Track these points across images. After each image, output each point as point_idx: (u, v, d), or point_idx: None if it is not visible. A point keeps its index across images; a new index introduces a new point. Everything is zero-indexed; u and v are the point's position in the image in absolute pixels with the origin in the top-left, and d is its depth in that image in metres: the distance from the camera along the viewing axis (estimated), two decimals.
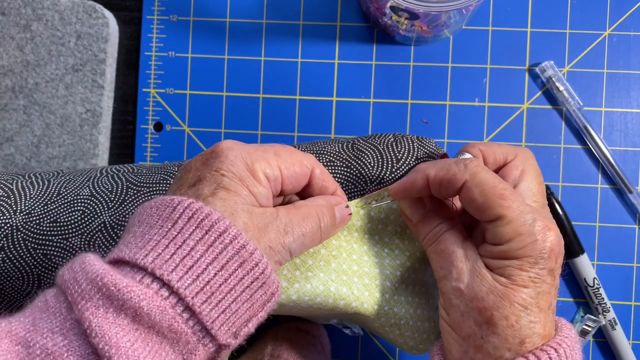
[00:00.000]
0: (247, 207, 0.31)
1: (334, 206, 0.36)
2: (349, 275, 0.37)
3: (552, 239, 0.33)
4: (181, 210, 0.30)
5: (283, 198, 0.37)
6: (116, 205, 0.41)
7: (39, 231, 0.40)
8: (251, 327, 0.31)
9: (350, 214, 0.38)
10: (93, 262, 0.28)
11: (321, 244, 0.37)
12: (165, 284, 0.28)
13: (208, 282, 0.29)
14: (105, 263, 0.29)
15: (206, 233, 0.29)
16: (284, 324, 0.50)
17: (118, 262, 0.30)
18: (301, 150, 0.42)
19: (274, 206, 0.34)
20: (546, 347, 0.32)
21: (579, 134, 0.54)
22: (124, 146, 0.56)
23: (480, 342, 0.33)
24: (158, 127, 0.56)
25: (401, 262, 0.39)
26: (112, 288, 0.27)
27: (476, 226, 0.37)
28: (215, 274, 0.29)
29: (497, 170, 0.38)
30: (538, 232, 0.33)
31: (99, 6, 0.55)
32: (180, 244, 0.29)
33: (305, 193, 0.37)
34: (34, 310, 0.28)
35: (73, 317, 0.27)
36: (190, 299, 0.28)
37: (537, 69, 0.54)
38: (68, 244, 0.40)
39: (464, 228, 0.37)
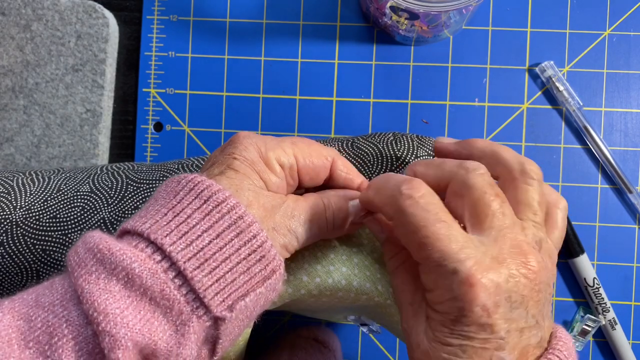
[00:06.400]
0: (254, 187, 0.32)
1: (347, 199, 0.35)
2: (372, 271, 0.37)
3: (480, 294, 0.27)
4: (184, 184, 0.31)
5: (304, 191, 0.37)
6: (116, 202, 0.41)
7: (38, 227, 0.40)
8: (249, 302, 0.30)
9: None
10: (93, 234, 0.29)
11: (342, 241, 0.37)
12: (158, 248, 0.28)
13: (202, 248, 0.29)
14: (110, 236, 0.30)
15: (204, 202, 0.30)
16: (302, 332, 0.50)
17: (123, 234, 0.30)
18: None
19: None
20: None
21: (579, 134, 0.54)
22: (124, 146, 0.56)
23: None
24: (158, 127, 0.56)
25: None
26: (106, 252, 0.28)
27: None
28: (210, 241, 0.29)
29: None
30: (457, 288, 0.27)
31: (99, 6, 0.55)
32: (178, 212, 0.29)
33: (328, 186, 0.37)
34: (38, 288, 0.29)
35: (73, 287, 0.28)
36: (182, 263, 0.28)
37: (537, 69, 0.54)
38: (67, 239, 0.40)
39: None
